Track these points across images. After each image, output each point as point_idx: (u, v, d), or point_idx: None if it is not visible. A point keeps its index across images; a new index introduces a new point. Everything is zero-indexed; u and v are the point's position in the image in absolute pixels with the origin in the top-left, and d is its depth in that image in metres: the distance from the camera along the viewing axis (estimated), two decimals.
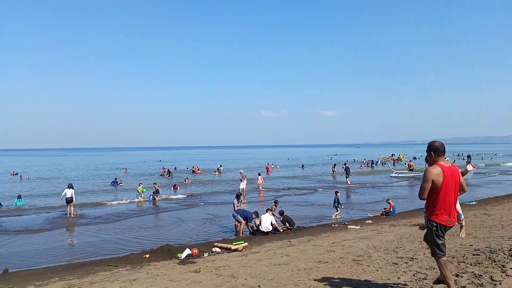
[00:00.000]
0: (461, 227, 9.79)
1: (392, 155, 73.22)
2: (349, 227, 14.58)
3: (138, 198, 25.64)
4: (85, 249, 13.53)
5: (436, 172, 4.69)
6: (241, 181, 27.70)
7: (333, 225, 15.62)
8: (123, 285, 8.26)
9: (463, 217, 9.74)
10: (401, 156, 68.29)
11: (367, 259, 8.21)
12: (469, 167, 7.85)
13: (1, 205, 23.28)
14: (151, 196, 25.10)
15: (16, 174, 50.18)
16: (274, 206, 16.20)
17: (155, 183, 26.51)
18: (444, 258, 4.94)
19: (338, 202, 18.07)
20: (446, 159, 5.18)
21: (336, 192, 18.57)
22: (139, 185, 27.11)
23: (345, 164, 38.76)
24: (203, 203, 23.89)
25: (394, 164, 58.05)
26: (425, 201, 4.96)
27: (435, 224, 4.82)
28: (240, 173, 28.95)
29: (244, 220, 14.72)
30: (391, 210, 17.40)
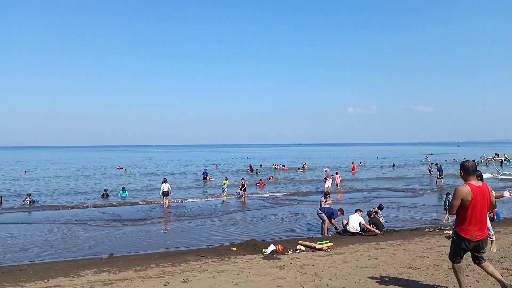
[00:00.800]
0: (492, 242, 9.42)
1: (496, 155, 65.63)
2: (445, 232, 13.38)
3: (223, 192, 26.83)
4: (178, 239, 14.49)
5: (465, 191, 5.08)
6: (326, 179, 27.20)
7: (427, 229, 14.51)
8: (211, 275, 8.64)
9: (493, 232, 9.46)
10: (506, 156, 60.89)
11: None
12: (506, 194, 7.34)
13: (108, 196, 26.12)
14: (238, 192, 25.96)
15: (121, 168, 55.86)
16: (377, 209, 15.52)
17: (243, 179, 27.37)
18: (459, 265, 5.44)
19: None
20: None
21: (447, 194, 17.22)
22: (225, 179, 28.31)
23: (437, 164, 35.78)
24: (287, 201, 24.01)
25: (501, 165, 51.97)
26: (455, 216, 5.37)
27: (459, 236, 5.28)
28: (325, 171, 28.45)
29: (328, 218, 14.41)
30: (495, 217, 15.55)
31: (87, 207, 22.60)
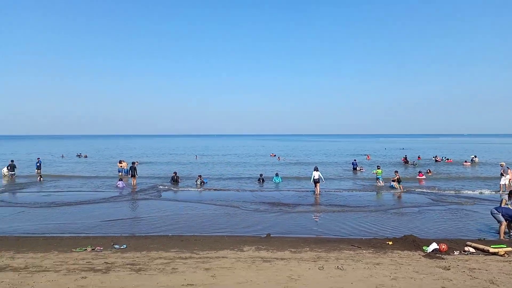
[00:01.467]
0: None
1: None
2: None
3: (377, 182, 25.77)
4: (330, 227, 14.57)
5: None
6: (502, 175, 23.32)
7: None
8: (367, 266, 8.43)
9: None
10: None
11: None
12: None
13: (264, 181, 28.02)
14: (391, 184, 24.55)
15: (275, 155, 59.21)
16: None
17: (396, 171, 25.74)
18: None
19: None
20: None
21: None
22: (377, 168, 27.11)
23: None
24: (451, 197, 21.53)
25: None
26: None
27: None
28: (501, 165, 24.35)
29: (506, 220, 12.36)
30: None
31: (245, 190, 24.72)
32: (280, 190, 24.62)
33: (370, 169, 35.81)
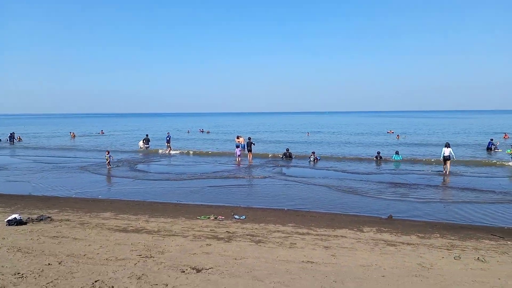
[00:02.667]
0: None
1: None
2: None
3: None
4: (460, 212, 12.89)
5: None
6: None
7: None
8: None
9: None
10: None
11: None
12: None
13: (382, 158, 26.35)
14: None
15: (393, 132, 55.45)
16: None
17: None
18: None
19: None
20: None
21: None
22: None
23: None
24: None
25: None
26: None
27: None
28: None
29: None
30: None
31: (359, 172, 23.57)
32: (401, 171, 22.83)
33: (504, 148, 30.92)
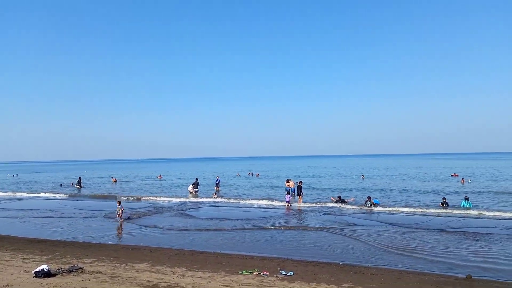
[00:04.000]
0: None
1: None
2: None
3: None
4: None
5: None
6: None
7: None
8: None
9: None
10: None
11: None
12: None
13: (448, 205, 23.59)
14: None
15: (457, 175, 51.12)
16: None
17: None
18: None
19: None
20: None
21: None
22: None
23: None
24: None
25: None
26: None
27: None
28: None
29: None
30: None
31: (425, 214, 21.09)
32: (471, 217, 20.07)
33: None
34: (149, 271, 9.99)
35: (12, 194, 38.08)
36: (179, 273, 9.81)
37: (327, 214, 21.88)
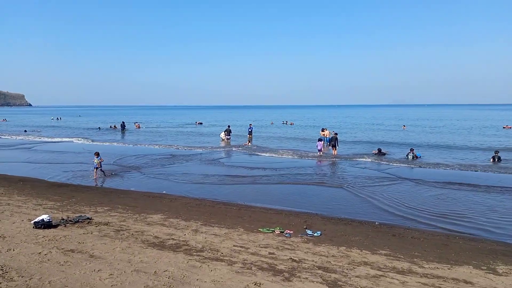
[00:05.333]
0: None
1: None
2: None
3: None
4: None
5: None
6: None
7: None
8: None
9: None
10: None
11: None
12: None
13: (501, 160, 21.20)
14: None
15: (510, 127, 47.06)
16: None
17: None
18: None
19: None
20: None
21: None
22: None
23: None
24: None
25: None
26: None
27: None
28: None
29: None
30: None
31: (475, 170, 18.99)
32: None
33: None
34: (161, 223, 9.11)
35: (42, 139, 38.91)
36: (193, 227, 8.85)
37: (364, 168, 20.23)
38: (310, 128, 54.23)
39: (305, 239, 8.33)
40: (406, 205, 12.18)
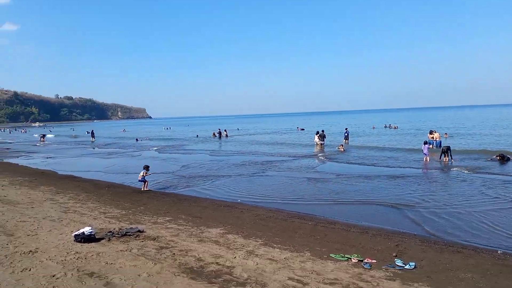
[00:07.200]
0: None
1: None
2: None
3: None
4: None
5: None
6: None
7: None
8: None
9: None
10: None
11: None
12: None
13: None
14: None
15: None
16: None
17: None
18: None
19: None
20: None
21: None
22: None
23: None
24: None
25: None
26: None
27: None
28: None
29: None
30: None
31: None
32: None
33: None
34: (215, 241, 7.79)
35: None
36: (249, 248, 7.33)
37: (485, 173, 16.44)
38: (417, 130, 48.71)
39: (391, 274, 6.17)
40: None
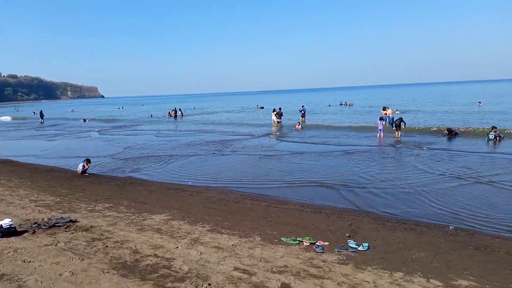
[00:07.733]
0: None
1: None
2: None
3: None
4: None
5: None
6: None
7: None
8: None
9: None
10: None
11: None
12: None
13: None
14: None
15: None
16: None
17: None
18: None
19: None
20: None
21: None
22: None
23: None
24: None
25: None
26: None
27: None
28: None
29: None
30: None
31: None
32: None
33: None
34: (158, 229, 7.10)
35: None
36: (195, 235, 6.72)
37: (434, 149, 16.82)
38: (371, 108, 49.79)
39: (344, 257, 5.81)
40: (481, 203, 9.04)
